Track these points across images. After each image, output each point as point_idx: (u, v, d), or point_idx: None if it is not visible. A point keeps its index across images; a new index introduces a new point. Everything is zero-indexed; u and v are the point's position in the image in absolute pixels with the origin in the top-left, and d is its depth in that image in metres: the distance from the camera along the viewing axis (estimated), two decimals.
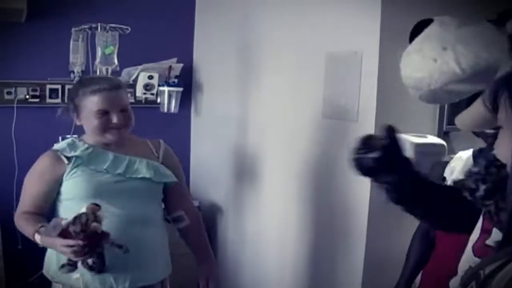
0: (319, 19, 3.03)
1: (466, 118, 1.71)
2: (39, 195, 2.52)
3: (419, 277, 2.43)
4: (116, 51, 3.47)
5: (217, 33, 4.19)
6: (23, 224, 2.49)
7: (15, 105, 4.10)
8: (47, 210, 2.54)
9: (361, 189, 2.76)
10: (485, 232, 1.67)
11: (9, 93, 4.11)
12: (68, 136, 3.40)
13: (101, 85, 2.48)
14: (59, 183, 2.49)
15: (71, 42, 3.54)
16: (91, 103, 2.46)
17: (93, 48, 3.54)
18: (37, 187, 2.54)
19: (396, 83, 2.62)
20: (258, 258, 3.72)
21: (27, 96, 4.14)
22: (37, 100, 4.17)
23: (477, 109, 1.59)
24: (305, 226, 3.26)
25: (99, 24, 3.44)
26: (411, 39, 1.85)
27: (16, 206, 3.98)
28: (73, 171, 2.47)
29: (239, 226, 3.97)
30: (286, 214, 3.44)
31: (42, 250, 3.92)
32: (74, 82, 3.46)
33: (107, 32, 3.44)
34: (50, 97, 4.18)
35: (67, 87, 4.14)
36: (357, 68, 2.74)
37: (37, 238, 2.36)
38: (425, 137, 2.63)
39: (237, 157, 4.00)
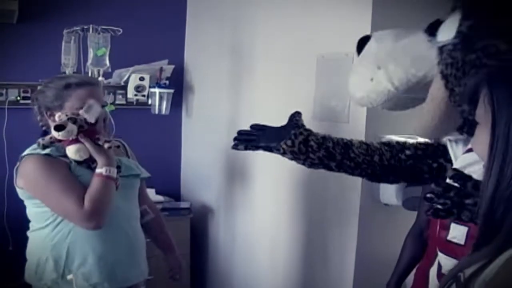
0: (311, 21, 3.04)
1: (430, 108, 1.69)
2: (77, 184, 2.34)
3: (411, 276, 2.45)
4: (107, 53, 3.48)
5: (208, 34, 4.20)
6: (92, 197, 2.28)
7: (6, 106, 4.09)
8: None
9: (353, 189, 2.78)
10: (444, 229, 1.72)
11: (0, 94, 4.10)
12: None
13: (84, 79, 2.49)
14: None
15: (63, 44, 3.54)
16: (76, 96, 2.39)
17: (84, 49, 3.55)
18: (68, 179, 2.34)
19: None
20: (250, 259, 3.73)
21: (18, 98, 4.13)
22: (28, 101, 4.14)
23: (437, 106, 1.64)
24: (297, 227, 3.28)
25: (91, 25, 3.45)
26: (358, 51, 1.89)
27: (7, 207, 4.02)
28: (75, 171, 2.37)
29: (230, 227, 3.98)
30: (278, 215, 3.45)
31: None
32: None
33: (99, 33, 3.45)
34: (32, 99, 4.16)
35: None
36: (348, 69, 2.76)
37: (99, 170, 2.30)
38: (415, 138, 2.65)
39: (228, 158, 4.02)
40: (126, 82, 4.14)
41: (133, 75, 4.11)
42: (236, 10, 3.86)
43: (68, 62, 3.57)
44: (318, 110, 2.97)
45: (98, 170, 2.28)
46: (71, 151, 2.29)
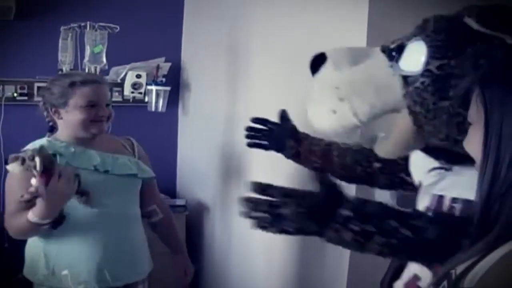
0: (308, 20, 3.05)
1: (396, 137, 1.64)
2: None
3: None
4: (104, 50, 3.49)
5: (205, 32, 4.21)
6: (17, 221, 2.35)
7: (2, 103, 4.10)
8: None
9: (347, 188, 2.79)
10: None
11: None
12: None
13: (89, 77, 2.50)
14: None
15: (60, 41, 3.55)
16: (81, 94, 2.44)
17: (82, 46, 3.55)
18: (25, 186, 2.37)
19: None
20: (246, 256, 3.74)
21: (15, 94, 4.13)
22: (25, 98, 4.16)
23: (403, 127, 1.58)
24: None
25: (88, 22, 3.46)
26: (313, 71, 1.74)
27: (3, 204, 4.01)
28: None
29: (226, 224, 3.99)
30: None
31: None
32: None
33: (96, 31, 3.46)
34: (38, 95, 4.18)
35: None
36: None
37: (31, 216, 2.26)
38: None
39: (224, 156, 4.02)
40: (123, 79, 4.15)
41: (130, 73, 4.11)
42: (233, 9, 3.86)
43: (65, 59, 3.57)
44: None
45: (30, 216, 2.26)
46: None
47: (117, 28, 3.55)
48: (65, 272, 2.39)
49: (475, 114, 1.21)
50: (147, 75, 4.14)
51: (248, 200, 1.38)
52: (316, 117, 1.66)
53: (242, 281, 3.79)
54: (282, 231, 1.38)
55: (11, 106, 4.14)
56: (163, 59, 4.34)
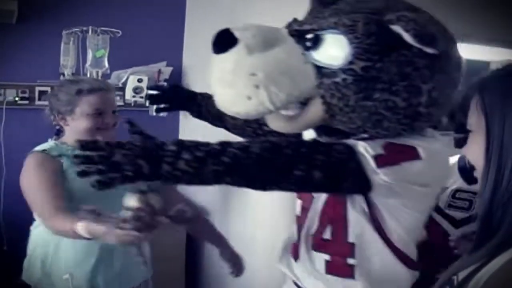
0: None
1: (303, 120, 1.72)
2: (59, 190, 2.33)
3: None
4: (106, 54, 3.49)
5: (206, 37, 4.19)
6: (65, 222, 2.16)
7: (4, 107, 4.10)
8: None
9: None
10: None
11: None
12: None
13: (96, 85, 2.49)
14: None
15: (62, 45, 3.56)
16: (87, 102, 2.42)
17: (83, 51, 3.56)
18: (52, 182, 2.33)
19: None
20: (245, 261, 3.73)
21: (16, 98, 4.13)
22: (26, 102, 4.16)
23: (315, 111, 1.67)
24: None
25: (90, 27, 3.47)
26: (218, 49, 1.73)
27: (3, 207, 4.02)
28: (67, 173, 2.39)
29: (226, 228, 3.98)
30: (275, 217, 3.45)
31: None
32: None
33: (98, 35, 3.47)
34: (39, 99, 4.18)
35: None
36: None
37: (80, 227, 2.01)
38: None
39: None
40: (124, 83, 4.15)
41: (131, 77, 4.12)
42: (234, 13, 3.87)
43: (66, 63, 3.58)
44: None
45: (79, 228, 2.03)
46: None
47: (119, 33, 3.56)
48: (66, 276, 2.39)
49: (475, 121, 1.21)
50: (148, 79, 4.14)
51: (79, 157, 1.43)
52: (229, 101, 1.67)
53: (241, 284, 3.78)
54: (123, 178, 1.42)
55: (12, 110, 4.14)
56: (164, 63, 4.34)
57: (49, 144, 2.54)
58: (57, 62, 3.67)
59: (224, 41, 1.66)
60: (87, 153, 1.42)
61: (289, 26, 1.76)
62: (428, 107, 1.64)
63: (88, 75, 3.50)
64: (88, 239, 2.05)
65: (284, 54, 1.64)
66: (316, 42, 1.63)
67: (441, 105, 1.69)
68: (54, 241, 2.41)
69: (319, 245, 1.84)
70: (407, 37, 1.54)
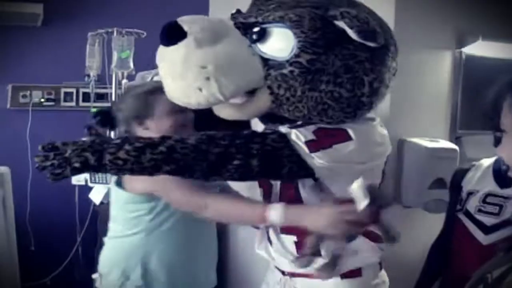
0: None
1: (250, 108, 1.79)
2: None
3: None
4: (131, 55, 3.51)
5: None
6: (230, 204, 1.96)
7: (30, 108, 4.15)
8: None
9: None
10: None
11: (24, 96, 4.17)
12: (83, 139, 3.44)
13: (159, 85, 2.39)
14: None
15: (88, 46, 3.58)
16: (165, 100, 2.15)
17: (109, 52, 3.58)
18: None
19: (408, 87, 2.66)
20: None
21: (42, 100, 4.19)
22: (52, 103, 4.21)
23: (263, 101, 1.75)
24: None
25: (115, 28, 3.49)
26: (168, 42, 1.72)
27: (30, 208, 4.06)
28: None
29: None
30: None
31: (55, 252, 3.98)
32: (91, 85, 3.52)
33: (123, 36, 3.48)
34: (65, 101, 4.24)
35: (81, 90, 4.21)
36: None
37: (275, 214, 1.74)
38: (437, 141, 2.65)
39: None
40: None
41: (156, 78, 4.13)
42: None
43: (92, 64, 3.61)
44: None
45: (272, 214, 1.76)
46: None
47: (143, 34, 3.58)
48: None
49: (510, 123, 1.21)
50: None
51: (38, 156, 1.64)
52: (180, 93, 1.71)
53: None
54: (73, 170, 1.61)
55: (38, 112, 4.19)
56: None
57: None
58: (82, 63, 3.70)
59: (172, 34, 1.69)
60: (44, 153, 1.64)
61: (234, 18, 1.81)
62: (370, 96, 1.77)
63: (114, 76, 3.52)
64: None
65: (232, 46, 1.71)
66: (263, 35, 1.71)
67: (381, 94, 1.83)
68: (145, 248, 2.23)
69: (285, 227, 1.90)
70: (352, 33, 1.65)
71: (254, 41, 1.72)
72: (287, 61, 1.69)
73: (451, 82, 2.80)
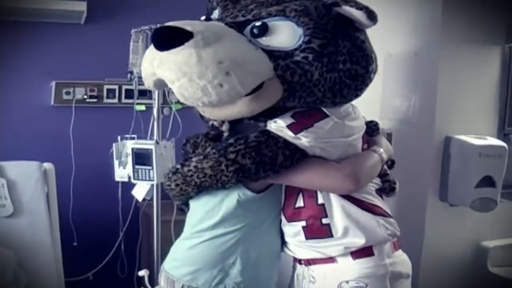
0: (379, 20, 3.02)
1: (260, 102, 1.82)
2: None
3: None
4: None
5: None
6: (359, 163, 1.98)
7: (73, 105, 4.20)
8: None
9: (420, 186, 2.75)
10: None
11: (67, 93, 4.21)
12: (126, 136, 3.47)
13: None
14: None
15: (131, 43, 3.58)
16: None
17: None
18: None
19: (456, 85, 2.62)
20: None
21: (85, 96, 4.23)
22: (94, 100, 4.25)
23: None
24: None
25: (158, 25, 3.48)
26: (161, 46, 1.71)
27: (73, 204, 4.10)
28: None
29: None
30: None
31: (97, 248, 4.02)
32: (134, 82, 3.53)
33: None
34: (108, 97, 4.28)
35: (124, 87, 4.24)
36: (417, 69, 2.74)
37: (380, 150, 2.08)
38: (485, 138, 2.62)
39: None
40: None
41: None
42: None
43: (136, 61, 3.61)
44: (384, 109, 2.94)
45: (377, 148, 2.08)
46: None
47: None
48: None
49: None
50: None
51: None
52: (200, 92, 1.69)
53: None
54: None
55: (81, 108, 4.23)
56: None
57: None
58: (125, 60, 3.70)
59: (173, 36, 1.68)
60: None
61: (219, 20, 1.93)
62: (375, 72, 1.96)
63: None
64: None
65: (236, 42, 1.77)
66: (265, 29, 1.80)
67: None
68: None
69: (293, 214, 1.99)
70: (361, 15, 1.80)
71: (255, 36, 1.80)
72: (296, 49, 1.78)
73: (500, 78, 2.75)
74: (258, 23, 1.81)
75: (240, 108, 1.82)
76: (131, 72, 3.69)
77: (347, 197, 1.92)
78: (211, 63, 1.66)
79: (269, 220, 2.08)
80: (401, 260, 2.01)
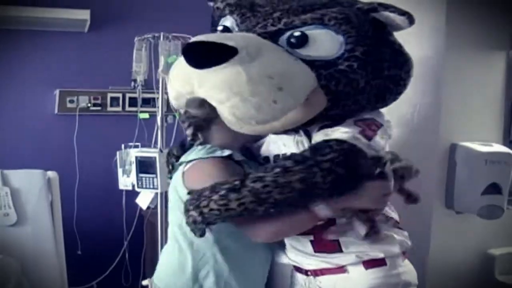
0: None
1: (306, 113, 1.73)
2: None
3: None
4: None
5: None
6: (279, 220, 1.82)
7: (77, 113, 4.20)
8: None
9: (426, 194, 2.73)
10: None
11: (71, 101, 4.22)
12: (130, 144, 3.47)
13: None
14: None
15: (134, 51, 3.59)
16: None
17: (155, 57, 3.59)
18: None
19: (460, 91, 2.61)
20: None
21: (89, 104, 4.23)
22: (98, 108, 4.26)
23: None
24: None
25: (161, 33, 3.49)
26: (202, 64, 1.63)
27: (77, 211, 4.10)
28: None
29: None
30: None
31: (101, 256, 4.01)
32: (137, 90, 3.53)
33: (170, 41, 3.48)
34: (111, 105, 4.28)
35: (127, 95, 4.24)
36: (421, 76, 2.72)
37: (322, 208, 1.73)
38: (491, 145, 2.60)
39: None
40: None
41: None
42: None
43: (139, 69, 3.61)
44: (389, 116, 2.92)
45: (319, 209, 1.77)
46: None
47: (190, 38, 3.57)
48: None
49: None
50: None
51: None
52: (254, 111, 1.61)
53: None
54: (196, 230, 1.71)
55: (85, 116, 4.24)
56: None
57: (218, 150, 2.07)
58: (128, 68, 3.71)
59: (212, 53, 1.59)
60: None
61: (249, 31, 1.79)
62: (412, 75, 1.91)
63: (160, 81, 3.52)
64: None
65: (278, 55, 1.69)
66: (304, 40, 1.71)
67: None
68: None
69: None
70: (403, 20, 1.75)
71: (294, 47, 1.71)
72: (338, 58, 1.71)
73: (505, 84, 2.74)
74: (296, 33, 1.72)
75: (284, 122, 1.71)
76: (135, 80, 3.69)
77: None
78: (262, 80, 1.59)
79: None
80: (409, 270, 1.99)
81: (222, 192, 1.61)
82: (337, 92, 1.71)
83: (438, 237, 2.68)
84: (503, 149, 2.60)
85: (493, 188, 2.55)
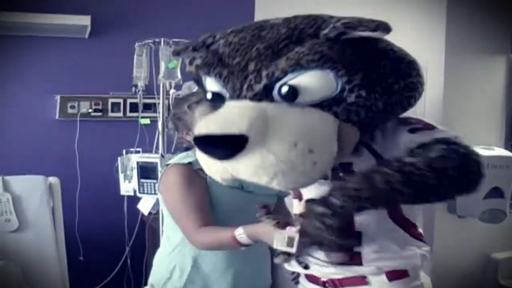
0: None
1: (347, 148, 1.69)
2: (205, 205, 2.26)
3: None
4: (179, 65, 3.51)
5: None
6: (212, 235, 2.15)
7: (78, 119, 4.19)
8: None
9: None
10: None
11: (72, 107, 4.21)
12: (131, 149, 3.46)
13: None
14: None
15: (135, 57, 3.59)
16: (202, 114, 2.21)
17: (156, 62, 3.59)
18: (199, 198, 2.26)
19: (461, 95, 2.61)
20: None
21: (90, 110, 4.22)
22: (99, 113, 4.25)
23: None
24: None
25: (162, 38, 3.49)
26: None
27: (78, 217, 4.09)
28: (210, 187, 2.28)
29: None
30: None
31: (103, 262, 4.00)
32: (138, 95, 3.53)
33: (170, 46, 3.48)
34: (112, 111, 4.27)
35: (128, 101, 4.24)
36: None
37: (239, 233, 1.97)
38: (492, 149, 2.60)
39: None
40: None
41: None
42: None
43: (140, 75, 3.61)
44: None
45: (237, 233, 1.99)
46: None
47: None
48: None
49: None
50: None
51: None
52: (300, 177, 1.57)
53: None
54: None
55: (86, 122, 4.23)
56: None
57: (189, 156, 2.34)
58: (129, 74, 3.71)
59: (224, 146, 1.53)
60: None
61: (238, 97, 1.65)
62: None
63: (161, 87, 3.52)
64: (244, 245, 2.00)
65: (283, 116, 1.58)
66: (295, 91, 1.58)
67: None
68: (194, 252, 2.33)
69: None
70: (378, 35, 1.57)
71: (290, 100, 1.59)
72: (341, 92, 1.58)
73: (506, 88, 2.74)
74: (284, 89, 1.58)
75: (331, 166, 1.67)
76: (136, 86, 3.69)
77: (400, 221, 1.79)
78: (290, 153, 1.52)
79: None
80: (427, 282, 1.95)
81: (373, 172, 1.51)
82: (360, 122, 1.63)
83: (441, 241, 2.68)
84: (505, 153, 2.60)
85: (495, 192, 2.55)
